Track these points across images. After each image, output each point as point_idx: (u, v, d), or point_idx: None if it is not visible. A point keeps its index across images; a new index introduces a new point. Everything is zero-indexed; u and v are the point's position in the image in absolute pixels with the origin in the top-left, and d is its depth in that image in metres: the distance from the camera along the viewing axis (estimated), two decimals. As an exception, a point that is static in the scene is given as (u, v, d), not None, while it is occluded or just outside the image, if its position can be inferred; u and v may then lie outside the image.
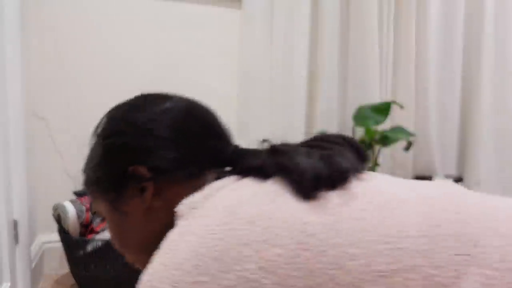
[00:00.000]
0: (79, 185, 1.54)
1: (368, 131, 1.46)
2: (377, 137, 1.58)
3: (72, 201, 1.21)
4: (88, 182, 0.55)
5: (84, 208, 1.21)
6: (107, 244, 1.15)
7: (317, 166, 0.42)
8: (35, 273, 1.30)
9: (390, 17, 1.77)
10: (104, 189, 0.53)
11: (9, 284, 1.01)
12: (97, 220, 1.23)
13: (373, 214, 0.38)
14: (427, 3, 1.78)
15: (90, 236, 1.20)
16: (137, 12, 1.50)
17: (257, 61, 1.61)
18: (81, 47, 1.44)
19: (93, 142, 0.58)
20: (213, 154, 0.53)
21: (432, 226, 0.37)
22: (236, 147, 0.55)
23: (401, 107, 1.56)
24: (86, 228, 1.23)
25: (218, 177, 0.49)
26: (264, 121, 1.64)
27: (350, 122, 1.76)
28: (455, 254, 0.35)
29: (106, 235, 1.18)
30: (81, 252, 1.16)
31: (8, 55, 1.05)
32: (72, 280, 1.37)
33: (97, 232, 1.21)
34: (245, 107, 1.62)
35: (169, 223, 0.45)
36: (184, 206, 0.44)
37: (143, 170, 0.50)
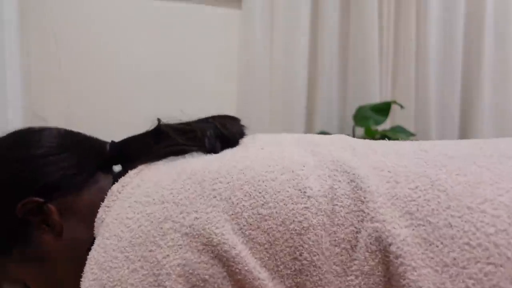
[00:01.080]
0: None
1: (368, 131, 1.46)
2: (377, 137, 1.58)
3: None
4: None
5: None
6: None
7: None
8: (35, 273, 1.30)
9: (390, 17, 1.77)
10: (6, 251, 0.46)
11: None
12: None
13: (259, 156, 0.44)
14: (427, 3, 1.78)
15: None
16: (137, 12, 1.50)
17: (257, 61, 1.61)
18: (81, 47, 1.44)
19: None
20: (93, 156, 0.52)
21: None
22: (112, 142, 0.54)
23: (401, 107, 1.56)
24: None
25: (114, 178, 0.48)
26: (264, 121, 1.64)
27: (350, 122, 1.76)
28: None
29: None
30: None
31: (7, 55, 1.05)
32: (72, 280, 1.37)
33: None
34: (245, 107, 1.62)
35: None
36: (95, 227, 0.43)
37: (31, 200, 0.44)
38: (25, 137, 0.50)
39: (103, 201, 0.45)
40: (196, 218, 0.37)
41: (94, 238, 0.42)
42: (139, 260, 0.36)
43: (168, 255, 0.35)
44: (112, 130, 1.51)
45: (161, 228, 0.37)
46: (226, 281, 0.36)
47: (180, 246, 0.36)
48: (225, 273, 0.36)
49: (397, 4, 1.81)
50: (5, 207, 0.45)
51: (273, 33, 1.63)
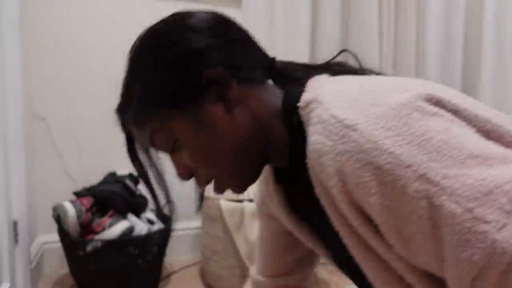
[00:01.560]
0: (79, 186, 1.54)
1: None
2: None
3: (71, 202, 1.21)
4: (152, 105, 0.50)
5: (83, 208, 1.20)
6: (106, 244, 1.15)
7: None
8: (35, 274, 1.30)
9: (390, 17, 1.76)
10: (180, 104, 0.49)
11: (8, 284, 1.01)
12: (97, 220, 1.23)
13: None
14: (427, 3, 1.78)
15: (89, 237, 1.20)
16: (137, 11, 1.50)
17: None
18: (81, 47, 1.44)
19: (142, 59, 0.52)
20: (266, 62, 0.54)
21: None
22: (274, 58, 0.56)
23: (401, 107, 1.56)
24: (86, 228, 1.23)
25: (284, 88, 0.52)
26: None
27: (350, 122, 1.76)
28: None
29: (105, 235, 1.18)
30: (81, 253, 1.16)
31: (7, 55, 1.05)
32: (71, 281, 1.37)
33: (97, 233, 1.21)
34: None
35: (256, 130, 0.50)
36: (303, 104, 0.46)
37: (221, 71, 0.48)
38: (222, 21, 0.53)
39: (272, 105, 0.51)
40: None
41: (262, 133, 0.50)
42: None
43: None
44: (112, 130, 1.51)
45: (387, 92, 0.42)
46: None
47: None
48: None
49: (397, 4, 1.81)
50: (194, 68, 0.48)
51: (273, 33, 1.63)
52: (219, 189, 0.53)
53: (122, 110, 0.55)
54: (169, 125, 0.50)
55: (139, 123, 0.52)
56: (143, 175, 0.56)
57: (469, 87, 1.93)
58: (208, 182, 0.53)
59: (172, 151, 0.52)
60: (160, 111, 0.49)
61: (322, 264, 1.60)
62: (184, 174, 0.53)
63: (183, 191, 1.58)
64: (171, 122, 0.49)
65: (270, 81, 0.55)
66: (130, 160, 0.57)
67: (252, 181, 0.54)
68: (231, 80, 0.48)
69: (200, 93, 0.48)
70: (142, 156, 0.56)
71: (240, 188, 0.53)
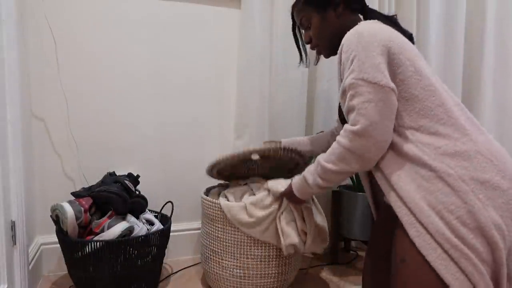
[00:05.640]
0: (77, 186, 1.52)
1: (368, 131, 1.45)
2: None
3: (70, 202, 1.20)
4: (310, 5, 1.03)
5: (82, 209, 1.20)
6: (105, 245, 1.14)
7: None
8: (33, 275, 1.29)
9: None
10: (318, 8, 1.02)
11: (6, 286, 1.01)
12: (96, 221, 1.22)
13: None
14: (428, 3, 1.78)
15: (88, 238, 1.19)
16: (137, 11, 1.50)
17: (257, 60, 1.60)
18: (81, 47, 1.44)
19: None
20: (362, 4, 1.03)
21: None
22: (367, 5, 1.04)
23: (402, 107, 1.55)
24: (85, 229, 1.22)
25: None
26: (264, 121, 1.63)
27: (350, 122, 1.75)
28: None
29: (104, 236, 1.17)
30: (79, 254, 1.15)
31: (6, 55, 1.05)
32: (70, 282, 1.36)
33: (96, 233, 1.20)
34: (244, 106, 1.61)
35: (342, 31, 0.92)
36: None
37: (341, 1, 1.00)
38: None
39: (351, 25, 0.91)
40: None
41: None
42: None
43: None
44: (111, 130, 1.50)
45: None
46: None
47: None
48: None
49: (398, 4, 1.81)
50: None
51: (272, 32, 1.62)
52: (319, 53, 1.09)
53: (296, 4, 1.08)
54: (310, 16, 1.04)
55: (299, 11, 1.06)
56: (296, 42, 1.18)
57: (470, 87, 1.93)
58: (314, 47, 1.06)
59: (306, 29, 1.07)
60: (310, 8, 1.03)
61: (322, 265, 1.59)
62: (307, 41, 1.07)
63: (183, 192, 1.57)
64: (312, 15, 1.03)
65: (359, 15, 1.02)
66: (293, 35, 1.17)
67: (331, 55, 1.06)
68: (343, 4, 1.00)
69: (329, 5, 1.01)
70: (297, 32, 1.16)
71: (327, 55, 1.06)
